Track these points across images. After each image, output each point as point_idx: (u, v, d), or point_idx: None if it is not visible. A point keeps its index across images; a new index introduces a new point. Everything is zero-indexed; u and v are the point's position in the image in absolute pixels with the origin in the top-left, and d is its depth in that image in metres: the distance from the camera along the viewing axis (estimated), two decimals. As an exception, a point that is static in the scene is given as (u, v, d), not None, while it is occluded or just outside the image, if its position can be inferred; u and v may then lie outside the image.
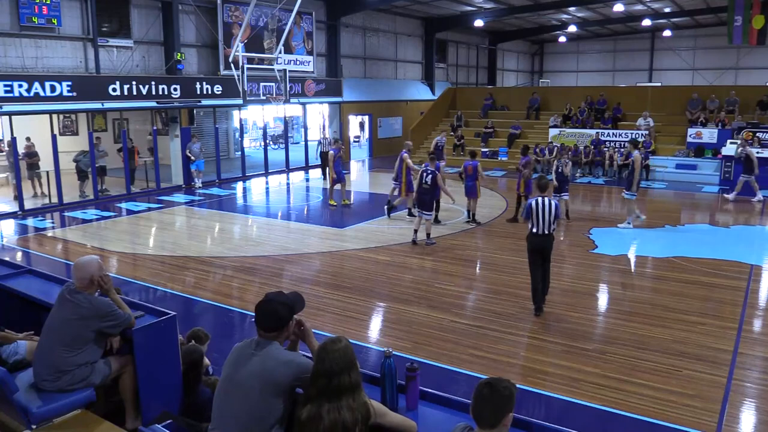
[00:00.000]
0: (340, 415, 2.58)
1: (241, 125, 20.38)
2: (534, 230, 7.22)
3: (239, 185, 18.23)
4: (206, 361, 4.24)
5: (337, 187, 14.37)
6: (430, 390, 3.08)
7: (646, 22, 28.19)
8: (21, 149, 15.25)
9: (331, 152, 14.42)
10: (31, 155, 15.07)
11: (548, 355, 6.21)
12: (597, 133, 20.51)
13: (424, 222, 10.50)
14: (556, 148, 20.12)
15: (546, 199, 7.21)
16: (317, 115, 23.67)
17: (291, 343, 3.03)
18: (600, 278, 8.91)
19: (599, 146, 19.78)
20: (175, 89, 16.36)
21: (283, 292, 3.05)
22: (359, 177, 20.68)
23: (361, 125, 26.56)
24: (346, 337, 2.83)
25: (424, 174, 10.36)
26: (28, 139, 15.24)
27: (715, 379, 5.61)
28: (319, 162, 19.22)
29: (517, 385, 2.47)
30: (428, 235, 10.55)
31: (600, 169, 19.48)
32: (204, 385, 3.93)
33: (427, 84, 28.20)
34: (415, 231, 10.54)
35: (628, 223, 11.93)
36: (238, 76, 13.85)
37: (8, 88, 13.06)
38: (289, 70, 15.59)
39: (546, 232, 7.18)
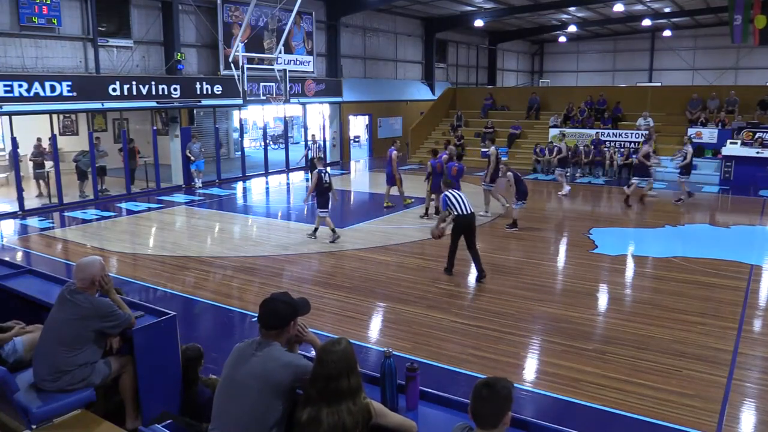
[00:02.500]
0: (339, 418, 2.58)
1: (241, 125, 20.39)
2: (460, 213, 8.43)
3: (239, 185, 18.23)
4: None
5: (393, 188, 13.98)
6: (430, 390, 3.08)
7: (646, 22, 28.19)
8: (30, 148, 15.24)
9: (394, 153, 13.82)
10: (41, 154, 15.05)
11: (548, 355, 6.21)
12: (597, 133, 20.51)
13: (320, 217, 10.87)
14: (556, 149, 20.15)
15: (456, 191, 8.73)
16: (317, 115, 23.62)
17: (290, 345, 3.02)
18: (600, 278, 8.91)
19: (599, 146, 19.79)
20: (175, 89, 16.36)
21: (290, 294, 3.04)
22: (359, 177, 20.70)
23: (368, 127, 26.51)
24: (347, 337, 2.83)
25: (322, 174, 10.75)
26: (39, 139, 15.15)
27: (715, 379, 5.61)
28: (304, 165, 18.39)
29: (517, 385, 2.47)
30: (333, 229, 10.86)
31: (600, 169, 19.49)
32: (204, 385, 3.93)
33: (427, 84, 28.20)
34: (333, 230, 10.86)
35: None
36: (238, 76, 13.84)
37: (8, 88, 13.06)
38: (289, 70, 15.56)
39: (470, 211, 8.54)
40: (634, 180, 14.81)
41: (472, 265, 8.73)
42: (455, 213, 8.50)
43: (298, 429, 2.68)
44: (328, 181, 10.80)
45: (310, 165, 17.41)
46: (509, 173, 11.79)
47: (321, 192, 10.70)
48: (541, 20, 30.26)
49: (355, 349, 2.77)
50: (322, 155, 13.24)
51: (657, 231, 11.87)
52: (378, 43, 25.45)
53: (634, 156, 18.93)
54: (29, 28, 13.74)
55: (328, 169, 17.18)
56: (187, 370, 3.88)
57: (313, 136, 19.67)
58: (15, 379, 3.56)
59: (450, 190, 8.76)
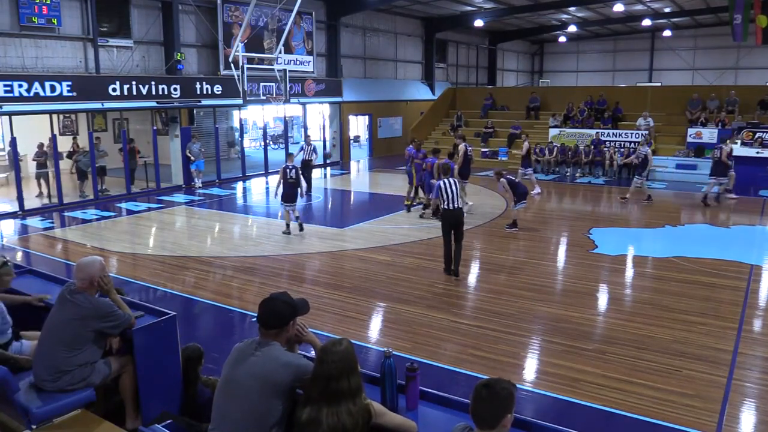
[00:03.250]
0: (339, 419, 2.58)
1: (241, 125, 20.38)
2: (446, 206, 8.48)
3: (239, 185, 18.23)
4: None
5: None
6: (430, 390, 3.08)
7: (646, 22, 28.20)
8: (33, 148, 15.22)
9: (412, 152, 13.64)
10: (44, 154, 15.05)
11: (548, 355, 6.21)
12: (597, 133, 20.49)
13: (291, 212, 11.47)
14: (555, 148, 20.17)
15: (451, 180, 8.63)
16: (317, 115, 23.61)
17: (290, 345, 3.02)
18: (600, 278, 8.90)
19: (599, 146, 19.78)
20: (175, 89, 16.36)
21: (289, 294, 3.04)
22: (359, 177, 20.70)
23: (368, 127, 26.35)
24: (347, 338, 2.83)
25: (287, 170, 11.26)
26: (53, 138, 15.03)
27: (715, 379, 5.61)
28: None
29: (518, 385, 2.47)
30: (298, 219, 11.57)
31: (600, 169, 19.49)
32: (204, 385, 3.93)
33: (427, 84, 28.20)
34: (291, 226, 11.50)
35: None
36: (238, 76, 13.83)
37: (8, 88, 13.06)
38: (289, 70, 15.54)
39: (457, 206, 8.52)
40: (712, 179, 14.61)
41: (473, 265, 8.73)
42: (442, 206, 8.58)
43: (298, 429, 2.68)
44: (293, 177, 11.25)
45: (302, 165, 16.23)
46: (502, 179, 11.49)
47: (288, 187, 11.21)
48: (541, 20, 30.27)
49: (355, 350, 2.77)
50: (293, 152, 13.63)
51: (657, 231, 11.87)
52: (378, 43, 25.45)
53: (634, 155, 18.95)
54: (29, 28, 13.73)
55: (329, 170, 17.12)
56: (187, 370, 3.88)
57: (308, 137, 18.85)
58: (15, 379, 3.56)
59: (446, 179, 8.72)
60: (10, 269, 4.33)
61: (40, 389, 3.55)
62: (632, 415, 4.98)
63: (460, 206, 8.68)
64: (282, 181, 11.25)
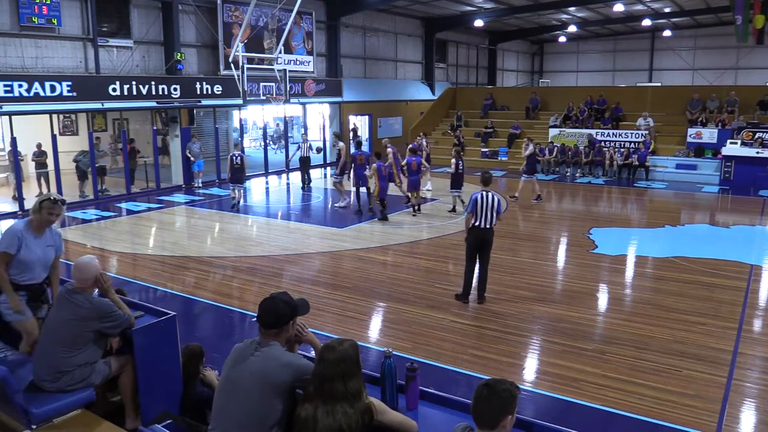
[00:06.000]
0: (335, 419, 2.57)
1: (241, 125, 20.37)
2: (477, 224, 7.44)
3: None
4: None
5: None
6: (430, 390, 3.08)
7: (646, 22, 28.19)
8: (29, 149, 15.24)
9: (414, 160, 13.18)
10: (41, 154, 15.06)
11: (548, 355, 6.21)
12: (592, 133, 20.41)
13: (237, 192, 14.17)
14: (556, 148, 20.17)
15: (490, 194, 7.48)
16: (317, 115, 23.58)
17: (290, 345, 3.02)
18: (600, 278, 8.91)
19: (596, 146, 19.76)
20: (175, 89, 16.36)
21: (289, 294, 3.04)
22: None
23: (354, 131, 26.29)
24: (353, 339, 2.81)
25: (234, 157, 13.86)
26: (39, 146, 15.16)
27: (715, 379, 5.62)
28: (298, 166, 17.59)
29: (518, 386, 2.46)
30: (239, 201, 14.16)
31: (600, 169, 19.49)
32: (204, 385, 3.92)
33: (427, 84, 28.19)
34: (234, 199, 14.13)
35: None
36: (238, 76, 13.84)
37: (8, 88, 13.05)
38: (289, 70, 15.55)
39: (488, 226, 7.47)
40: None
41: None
42: (474, 222, 7.46)
43: (296, 427, 2.68)
44: (239, 163, 13.88)
45: (301, 162, 17.20)
46: (453, 160, 12.97)
47: (233, 171, 13.84)
48: (541, 20, 30.26)
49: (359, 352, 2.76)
50: (240, 142, 16.55)
51: (657, 231, 11.87)
52: (378, 43, 25.44)
53: (633, 156, 18.96)
54: (29, 28, 13.72)
55: (329, 170, 17.20)
56: (188, 367, 3.87)
57: (304, 135, 18.85)
58: (15, 379, 3.56)
59: (484, 192, 7.50)
60: (56, 207, 4.14)
61: (40, 389, 3.55)
62: (632, 415, 4.98)
63: (491, 225, 7.49)
64: (229, 166, 13.88)
